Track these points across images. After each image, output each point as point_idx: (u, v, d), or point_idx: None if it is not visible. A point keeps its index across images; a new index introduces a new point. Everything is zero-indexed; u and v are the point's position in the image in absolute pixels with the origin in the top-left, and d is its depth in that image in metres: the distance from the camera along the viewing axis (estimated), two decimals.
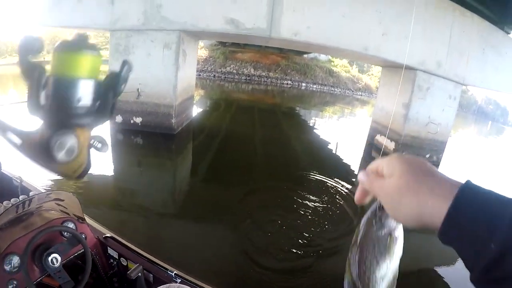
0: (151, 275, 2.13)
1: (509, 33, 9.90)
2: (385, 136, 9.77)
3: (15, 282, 1.73)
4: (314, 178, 7.08)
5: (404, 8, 8.05)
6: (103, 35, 37.42)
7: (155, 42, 8.13)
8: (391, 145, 9.57)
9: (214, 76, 30.58)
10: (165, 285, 1.10)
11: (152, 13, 7.91)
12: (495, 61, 9.30)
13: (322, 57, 33.83)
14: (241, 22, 7.67)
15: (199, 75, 29.51)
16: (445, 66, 8.73)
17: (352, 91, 33.25)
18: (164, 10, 7.86)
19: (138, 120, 8.62)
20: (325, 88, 31.68)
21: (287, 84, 31.05)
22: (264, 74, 31.32)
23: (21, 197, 2.39)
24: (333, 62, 35.28)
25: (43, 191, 2.54)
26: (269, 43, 10.02)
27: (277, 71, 31.67)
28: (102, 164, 6.35)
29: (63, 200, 2.22)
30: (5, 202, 2.30)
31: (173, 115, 8.53)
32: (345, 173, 8.10)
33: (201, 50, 32.71)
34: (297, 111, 18.35)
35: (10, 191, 2.82)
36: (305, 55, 32.65)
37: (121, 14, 8.04)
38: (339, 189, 6.61)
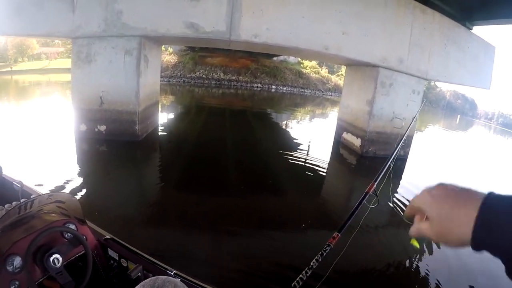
0: (151, 274, 2.13)
1: (471, 29, 10.16)
2: (351, 133, 10.03)
3: (17, 283, 1.76)
4: (287, 184, 7.12)
5: (364, 7, 8.24)
6: (69, 42, 37.42)
7: (116, 48, 8.05)
8: (357, 142, 9.80)
9: (184, 81, 30.67)
10: (153, 277, 1.12)
11: (112, 20, 7.84)
12: (457, 56, 9.59)
13: (292, 59, 34.19)
14: (201, 26, 7.67)
15: (169, 81, 29.83)
16: (407, 62, 8.96)
17: (322, 92, 33.69)
18: (125, 16, 7.81)
19: (102, 128, 8.49)
20: (295, 90, 32.08)
21: (257, 87, 31.31)
22: (234, 78, 31.52)
23: (22, 200, 2.41)
24: (303, 64, 35.80)
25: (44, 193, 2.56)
26: (230, 46, 10.04)
27: (247, 74, 31.89)
28: (69, 176, 6.25)
29: (64, 203, 2.24)
30: (6, 205, 2.30)
31: (137, 121, 8.47)
32: (315, 175, 8.09)
33: (170, 56, 32.80)
34: (268, 114, 18.45)
35: (11, 195, 2.88)
36: (275, 58, 33.04)
37: (82, 21, 7.94)
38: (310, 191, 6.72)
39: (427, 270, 4.16)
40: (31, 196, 2.57)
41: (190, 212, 5.36)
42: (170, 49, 33.13)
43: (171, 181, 6.74)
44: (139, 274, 2.09)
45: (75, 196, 2.23)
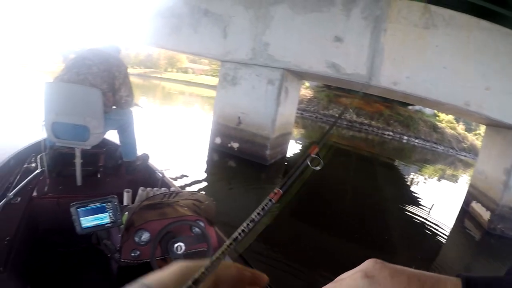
0: None
1: None
2: (481, 204, 8.66)
3: (138, 252, 2.10)
4: (401, 242, 6.77)
5: (509, 61, 7.28)
6: (216, 63, 39.66)
7: (260, 76, 8.75)
8: (485, 215, 8.28)
9: (316, 117, 30.59)
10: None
11: (259, 50, 8.60)
12: None
13: (427, 110, 32.17)
14: (342, 67, 7.91)
15: (302, 114, 30.09)
16: None
17: (456, 151, 30.41)
18: (271, 48, 8.50)
19: (235, 145, 9.32)
20: (427, 144, 29.73)
21: (388, 135, 29.86)
22: (366, 121, 30.56)
23: (172, 189, 2.86)
24: (439, 117, 33.38)
25: (179, 189, 3.02)
26: (369, 90, 9.96)
27: (379, 120, 30.72)
28: (196, 178, 7.02)
29: (201, 202, 2.52)
30: (148, 188, 2.82)
31: (268, 146, 8.95)
32: (432, 242, 7.28)
33: (307, 90, 33.22)
34: (395, 165, 17.64)
35: (152, 181, 3.42)
36: (410, 107, 31.36)
37: (232, 48, 8.91)
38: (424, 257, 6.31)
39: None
40: (171, 188, 3.00)
41: (296, 242, 5.51)
42: (307, 84, 33.47)
43: (286, 208, 6.95)
44: None
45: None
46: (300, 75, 9.85)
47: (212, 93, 30.14)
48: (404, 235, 7.25)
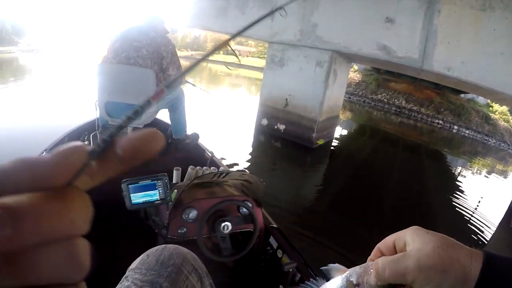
0: (299, 275, 2.29)
1: None
2: None
3: (184, 229, 2.18)
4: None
5: None
6: (263, 45, 39.62)
7: (308, 58, 8.60)
8: None
9: (364, 101, 30.00)
10: (161, 246, 1.19)
11: (307, 31, 8.43)
12: None
13: (480, 99, 30.28)
14: (393, 50, 7.62)
15: (349, 98, 29.27)
16: None
17: (508, 145, 27.79)
18: (319, 29, 8.30)
19: (282, 127, 9.34)
20: (478, 135, 27.71)
21: (438, 123, 28.49)
22: (415, 108, 29.50)
23: (221, 169, 2.92)
24: (492, 107, 31.41)
25: (228, 169, 3.08)
26: (420, 75, 9.66)
27: (429, 107, 29.53)
28: (241, 157, 7.23)
29: (251, 183, 2.51)
30: (197, 167, 2.89)
31: (315, 129, 8.87)
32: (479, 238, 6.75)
33: (354, 74, 32.54)
34: (443, 155, 16.98)
35: (201, 160, 3.53)
36: (462, 95, 29.92)
37: (279, 29, 8.77)
38: None
39: None
40: (220, 168, 3.05)
41: (333, 226, 5.51)
42: (355, 67, 32.64)
43: (327, 192, 6.95)
44: (290, 270, 2.21)
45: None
46: (349, 58, 9.59)
47: (258, 75, 30.19)
48: (449, 227, 6.94)
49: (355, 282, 0.56)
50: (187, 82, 3.94)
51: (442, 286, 0.48)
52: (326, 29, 8.28)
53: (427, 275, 0.48)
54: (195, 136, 4.23)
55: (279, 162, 8.22)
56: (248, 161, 7.52)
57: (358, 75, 32.69)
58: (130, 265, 1.17)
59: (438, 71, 7.50)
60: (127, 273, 1.03)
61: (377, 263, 0.54)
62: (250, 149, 8.57)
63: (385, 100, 30.34)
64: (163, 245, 1.15)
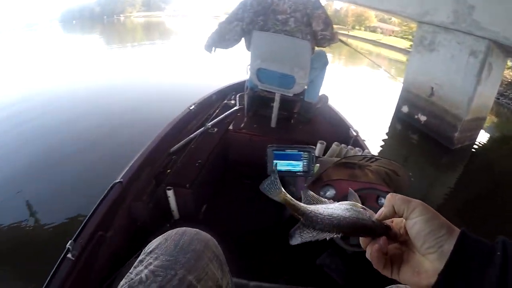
0: None
1: None
2: None
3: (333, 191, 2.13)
4: None
5: None
6: (407, 25, 37.66)
7: (461, 45, 7.52)
8: None
9: None
10: (181, 228, 1.10)
11: (462, 14, 7.30)
12: None
13: None
14: None
15: (498, 99, 25.98)
16: None
17: None
18: (476, 13, 7.08)
19: (422, 118, 8.54)
20: None
21: None
22: None
23: (365, 151, 2.89)
24: None
25: (370, 151, 3.00)
26: None
27: None
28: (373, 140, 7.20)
29: (397, 176, 2.34)
30: (342, 145, 2.77)
31: (458, 128, 7.81)
32: None
33: (507, 71, 29.48)
34: None
35: (344, 137, 3.44)
36: None
37: (431, 7, 7.91)
38: None
39: None
40: (365, 150, 2.95)
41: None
42: (509, 63, 29.62)
43: (457, 199, 6.24)
44: None
45: None
46: (508, 51, 8.00)
47: (400, 56, 28.95)
48: None
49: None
50: (338, 40, 3.79)
51: (433, 223, 0.55)
52: (485, 13, 6.96)
53: (425, 207, 0.58)
54: (324, 99, 4.14)
55: (412, 158, 7.52)
56: (380, 147, 7.22)
57: (511, 73, 29.57)
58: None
59: None
60: (142, 256, 1.01)
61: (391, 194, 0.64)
62: (385, 136, 8.06)
63: None
64: (184, 228, 1.06)
